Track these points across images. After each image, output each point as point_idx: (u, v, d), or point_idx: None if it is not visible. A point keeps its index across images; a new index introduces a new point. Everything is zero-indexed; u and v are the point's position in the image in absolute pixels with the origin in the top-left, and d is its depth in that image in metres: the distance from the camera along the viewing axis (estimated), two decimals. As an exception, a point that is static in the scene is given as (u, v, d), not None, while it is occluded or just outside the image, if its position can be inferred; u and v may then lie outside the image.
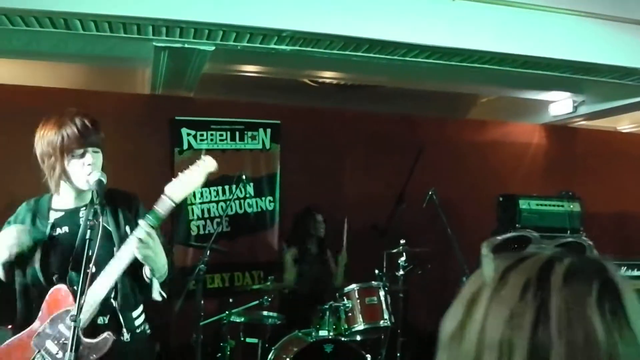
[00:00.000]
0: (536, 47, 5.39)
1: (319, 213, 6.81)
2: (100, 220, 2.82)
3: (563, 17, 5.41)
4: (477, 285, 1.02)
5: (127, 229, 3.09)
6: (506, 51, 5.35)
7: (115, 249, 3.03)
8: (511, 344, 0.92)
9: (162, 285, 3.15)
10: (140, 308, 3.26)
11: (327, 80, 7.59)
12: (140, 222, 2.96)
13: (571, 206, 7.34)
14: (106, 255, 2.97)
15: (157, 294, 3.13)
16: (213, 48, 5.24)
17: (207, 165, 3.10)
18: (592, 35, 5.53)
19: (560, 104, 8.17)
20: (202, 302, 5.69)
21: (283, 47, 5.12)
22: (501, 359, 0.93)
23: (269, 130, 7.42)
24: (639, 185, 8.60)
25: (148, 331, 3.32)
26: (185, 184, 3.03)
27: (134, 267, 3.03)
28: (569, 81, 6.37)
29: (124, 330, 3.09)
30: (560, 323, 0.91)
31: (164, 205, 2.98)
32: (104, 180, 3.03)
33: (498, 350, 0.93)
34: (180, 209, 7.03)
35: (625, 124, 9.66)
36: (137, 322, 3.20)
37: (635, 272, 6.92)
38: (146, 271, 3.06)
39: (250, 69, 6.90)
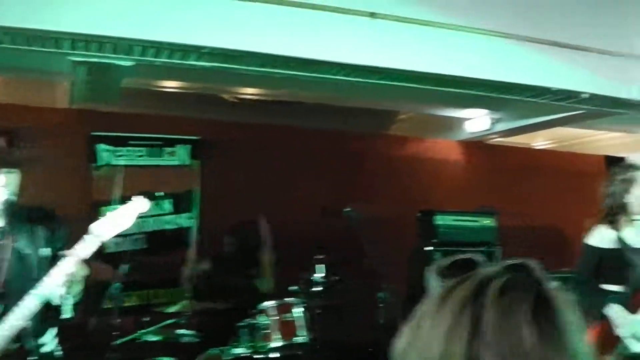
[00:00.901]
0: (453, 66, 5.52)
1: (242, 229, 6.78)
2: (10, 241, 2.75)
3: (479, 38, 5.56)
4: (426, 306, 1.07)
5: (47, 250, 3.02)
6: (425, 70, 5.46)
7: (32, 271, 2.96)
8: (451, 355, 0.97)
9: (75, 304, 3.09)
10: (51, 333, 3.18)
11: (248, 97, 7.59)
12: (67, 260, 2.90)
13: (486, 221, 7.51)
14: (21, 279, 2.90)
15: (68, 312, 3.07)
16: (132, 63, 5.18)
17: (139, 206, 3.07)
18: (508, 55, 5.70)
19: (477, 121, 8.38)
20: (118, 320, 5.58)
21: (202, 63, 5.10)
22: None
23: (188, 147, 7.35)
24: (553, 200, 8.86)
25: (58, 353, 3.25)
26: (116, 224, 2.98)
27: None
28: (485, 99, 6.55)
29: (32, 356, 3.02)
30: (494, 334, 0.95)
31: (91, 245, 2.93)
32: (14, 199, 2.95)
33: None
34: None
35: (539, 141, 9.98)
36: (46, 348, 3.12)
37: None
38: (60, 292, 3.00)
39: (170, 84, 6.84)
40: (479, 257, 1.16)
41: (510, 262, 1.09)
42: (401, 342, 1.07)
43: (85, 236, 2.95)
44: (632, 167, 4.65)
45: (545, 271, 1.08)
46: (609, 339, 4.43)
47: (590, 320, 4.76)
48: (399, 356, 1.06)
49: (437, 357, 0.98)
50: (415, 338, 1.04)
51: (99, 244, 2.94)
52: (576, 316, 1.03)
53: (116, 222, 2.98)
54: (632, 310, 4.42)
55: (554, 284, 1.04)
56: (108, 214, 3.01)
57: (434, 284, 1.11)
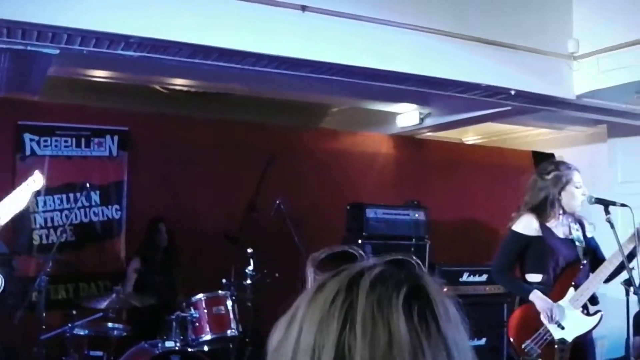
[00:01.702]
0: (383, 60, 5.57)
1: (162, 223, 6.73)
2: None
3: (409, 33, 5.62)
4: (298, 301, 1.06)
5: None
6: (354, 64, 5.49)
7: None
8: (320, 347, 0.95)
9: None
10: None
11: (178, 87, 7.51)
12: None
13: (417, 215, 7.59)
14: None
15: None
16: (57, 52, 5.08)
17: (33, 183, 3.01)
18: (437, 51, 5.78)
19: (407, 115, 8.47)
20: (44, 314, 5.48)
21: (130, 53, 5.04)
22: None
23: (116, 137, 7.22)
24: (483, 194, 9.00)
25: None
26: (12, 206, 2.93)
27: None
28: (415, 94, 6.63)
29: None
30: (364, 325, 0.95)
31: None
32: None
33: (311, 352, 0.96)
34: (23, 217, 6.74)
35: (470, 136, 10.15)
36: None
37: (478, 278, 7.26)
38: None
39: (98, 74, 6.73)
40: (357, 250, 1.16)
41: (389, 257, 1.09)
42: (277, 334, 1.06)
43: None
44: (564, 166, 4.76)
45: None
46: (528, 324, 4.54)
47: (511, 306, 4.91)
48: (274, 350, 1.04)
49: (309, 347, 0.97)
50: (288, 331, 1.03)
51: None
52: (453, 308, 1.02)
53: (12, 203, 2.93)
54: (553, 297, 4.53)
55: (431, 278, 1.04)
56: (8, 196, 2.95)
57: (311, 275, 1.10)
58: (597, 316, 4.59)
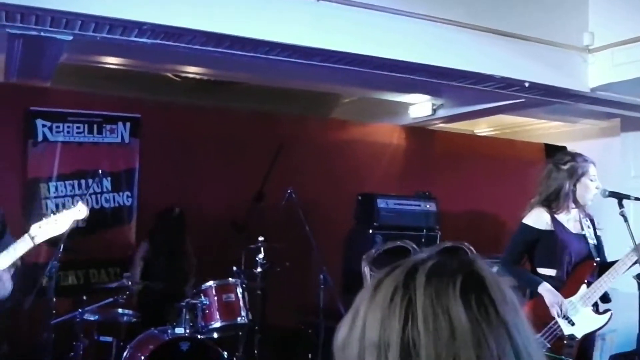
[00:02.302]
0: (396, 50, 5.55)
1: (176, 208, 6.72)
2: None
3: (422, 23, 5.59)
4: (361, 297, 1.09)
5: None
6: (367, 53, 5.47)
7: None
8: (386, 344, 0.98)
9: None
10: None
11: (190, 75, 7.51)
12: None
13: (427, 206, 7.57)
14: None
15: None
16: (71, 38, 5.08)
17: (77, 212, 3.02)
18: (451, 41, 5.75)
19: (419, 106, 8.45)
20: (55, 299, 5.49)
21: (144, 40, 5.03)
22: (379, 358, 0.99)
23: (128, 124, 7.21)
24: (494, 186, 8.96)
25: None
26: (51, 228, 2.95)
27: None
28: (427, 85, 6.60)
29: None
30: (425, 318, 0.97)
31: (24, 247, 2.89)
32: None
33: (377, 350, 1.00)
34: (34, 202, 6.77)
35: (482, 128, 10.12)
36: None
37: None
38: None
39: (110, 61, 6.72)
40: (410, 244, 1.19)
41: (441, 245, 1.14)
42: (341, 333, 1.09)
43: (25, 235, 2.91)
44: (581, 158, 4.73)
45: (479, 254, 1.10)
46: (539, 318, 4.52)
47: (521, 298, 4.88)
48: (339, 348, 1.08)
49: (375, 344, 1.00)
50: (353, 328, 1.06)
51: (32, 245, 2.89)
52: (510, 291, 1.05)
53: (54, 226, 2.94)
54: (565, 293, 4.52)
55: (484, 263, 1.06)
56: (49, 217, 2.97)
57: (367, 272, 1.14)
58: (607, 315, 4.57)
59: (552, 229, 4.58)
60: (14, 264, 2.92)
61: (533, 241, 4.66)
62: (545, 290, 4.49)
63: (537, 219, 4.64)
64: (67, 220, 2.97)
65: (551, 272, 4.61)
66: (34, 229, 2.93)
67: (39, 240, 2.90)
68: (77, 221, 3.03)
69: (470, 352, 0.96)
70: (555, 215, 4.61)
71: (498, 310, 1.00)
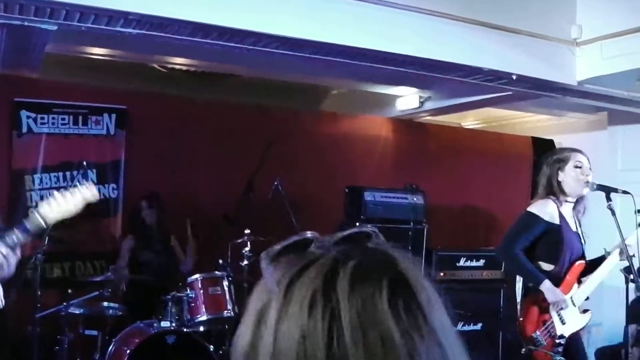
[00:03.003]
0: (385, 42, 5.52)
1: (144, 200, 6.67)
2: None
3: (411, 15, 5.57)
4: (262, 301, 0.94)
5: None
6: (355, 45, 5.44)
7: None
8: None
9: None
10: None
11: (177, 67, 7.46)
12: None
13: (415, 199, 7.55)
14: None
15: None
16: (56, 28, 5.02)
17: (87, 194, 2.96)
18: (439, 34, 5.73)
19: (407, 98, 8.44)
20: (39, 292, 5.46)
21: (130, 30, 4.98)
22: None
23: (114, 116, 7.15)
24: (481, 179, 8.97)
25: None
26: (63, 209, 2.88)
27: None
28: (415, 77, 6.58)
29: None
30: (353, 334, 0.85)
31: (34, 225, 2.84)
32: None
33: None
34: (19, 195, 6.71)
35: (469, 121, 10.12)
36: None
37: (475, 263, 7.25)
38: None
39: (96, 51, 6.66)
40: (312, 235, 1.02)
41: (346, 233, 1.00)
42: (242, 344, 0.94)
43: (30, 215, 2.85)
44: (569, 148, 4.74)
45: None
46: (539, 315, 4.51)
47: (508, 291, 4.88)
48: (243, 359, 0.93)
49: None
50: (259, 342, 0.92)
51: (44, 227, 2.84)
52: (429, 286, 0.93)
53: (63, 206, 2.87)
54: (562, 290, 4.50)
55: (404, 257, 0.94)
56: (56, 194, 2.90)
57: (269, 272, 0.97)
58: (588, 315, 4.59)
59: (559, 223, 4.53)
60: (19, 245, 2.88)
61: (538, 232, 4.56)
62: (548, 289, 4.43)
63: (545, 209, 4.56)
64: (79, 201, 2.89)
65: (549, 267, 4.57)
66: (45, 208, 2.87)
67: (51, 221, 2.84)
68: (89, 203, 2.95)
69: None
70: (561, 210, 4.57)
71: (426, 317, 0.89)
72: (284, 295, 0.91)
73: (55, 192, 2.95)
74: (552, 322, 4.46)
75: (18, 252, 2.86)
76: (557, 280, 4.51)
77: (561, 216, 4.56)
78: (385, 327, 0.86)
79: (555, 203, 4.56)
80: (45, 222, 2.85)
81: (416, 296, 0.90)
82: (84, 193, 2.94)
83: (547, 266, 4.58)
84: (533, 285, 4.52)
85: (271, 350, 0.89)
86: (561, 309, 4.45)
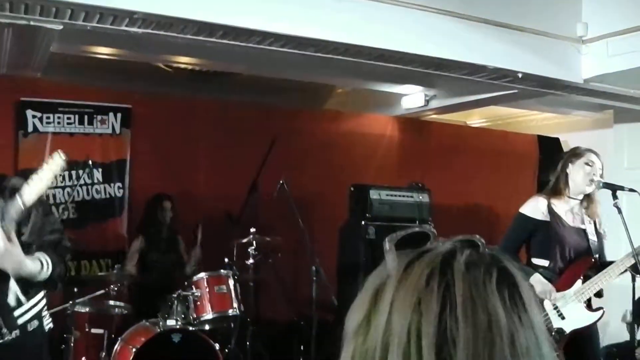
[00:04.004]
0: (390, 41, 5.51)
1: (167, 200, 6.70)
2: None
3: (416, 13, 5.56)
4: (380, 278, 1.04)
5: None
6: (360, 43, 5.44)
7: None
8: (418, 329, 0.95)
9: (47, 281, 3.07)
10: (28, 304, 3.15)
11: (182, 66, 7.46)
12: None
13: (420, 197, 7.54)
14: None
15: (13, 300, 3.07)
16: (61, 27, 5.02)
17: (54, 164, 2.97)
18: (445, 32, 5.72)
19: (412, 97, 8.43)
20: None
21: (135, 29, 4.98)
22: (409, 345, 0.95)
23: (119, 115, 7.17)
24: (486, 177, 8.96)
25: (46, 327, 3.27)
26: (34, 187, 2.91)
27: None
28: (420, 75, 6.57)
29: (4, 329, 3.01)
30: (465, 308, 0.95)
31: (16, 209, 2.86)
32: None
33: (406, 335, 0.95)
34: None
35: (475, 119, 10.11)
36: (22, 320, 3.11)
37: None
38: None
39: (101, 51, 6.67)
40: (429, 230, 1.16)
41: (462, 237, 1.10)
42: (355, 317, 1.04)
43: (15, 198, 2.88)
44: (582, 147, 4.74)
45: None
46: None
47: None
48: (355, 332, 1.03)
49: (405, 330, 0.96)
50: (375, 312, 1.01)
51: (22, 207, 2.86)
52: (532, 291, 1.04)
53: (35, 184, 2.90)
54: (559, 286, 4.50)
55: (509, 261, 1.05)
56: (31, 177, 2.93)
57: (392, 255, 1.08)
58: (599, 313, 4.56)
59: (548, 219, 4.57)
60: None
61: (530, 231, 4.64)
62: (537, 281, 4.47)
63: (534, 208, 4.62)
64: (47, 174, 2.92)
65: (545, 262, 4.60)
66: (23, 191, 2.89)
67: (28, 202, 2.87)
68: (57, 174, 2.97)
69: (504, 347, 0.95)
70: (553, 206, 4.59)
71: (527, 310, 1.00)
72: (404, 269, 1.02)
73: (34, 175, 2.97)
74: (546, 316, 4.45)
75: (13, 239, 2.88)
76: (555, 275, 4.53)
77: (552, 212, 4.58)
78: (492, 307, 0.96)
79: (546, 200, 4.60)
80: (24, 204, 2.87)
81: (519, 289, 1.01)
82: (52, 164, 2.96)
83: (541, 262, 4.61)
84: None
85: (386, 317, 0.99)
86: (555, 304, 4.44)
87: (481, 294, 0.97)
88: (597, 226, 4.71)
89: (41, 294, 3.28)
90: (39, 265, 3.01)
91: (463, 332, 0.94)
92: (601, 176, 4.59)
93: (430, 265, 1.00)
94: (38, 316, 3.24)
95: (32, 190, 2.89)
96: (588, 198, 4.66)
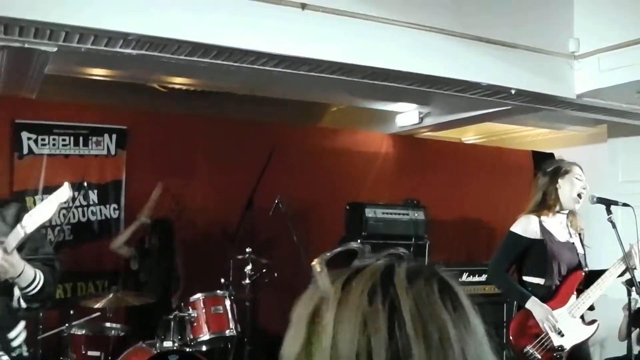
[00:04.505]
0: (383, 59, 5.53)
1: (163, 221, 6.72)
2: None
3: (409, 32, 5.58)
4: (314, 302, 0.99)
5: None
6: (354, 62, 5.46)
7: None
8: (369, 351, 0.90)
9: (34, 296, 3.06)
10: (19, 327, 3.13)
11: (177, 86, 7.48)
12: None
13: (416, 214, 7.55)
14: None
15: (16, 302, 3.06)
16: (55, 49, 5.04)
17: (60, 195, 2.99)
18: (437, 49, 5.74)
19: (406, 114, 8.45)
20: (41, 313, 5.45)
21: (129, 50, 5.00)
22: None
23: (114, 136, 7.18)
24: (482, 193, 8.97)
25: (25, 354, 3.21)
26: (38, 215, 2.92)
27: (7, 284, 2.95)
28: (414, 93, 6.60)
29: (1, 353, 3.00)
30: (414, 323, 0.91)
31: (16, 236, 2.88)
32: None
33: (355, 359, 0.91)
34: (20, 216, 6.69)
35: (469, 136, 10.13)
36: (15, 343, 3.12)
37: (477, 278, 7.22)
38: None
39: (96, 72, 6.69)
40: (358, 246, 1.10)
41: (391, 251, 1.05)
42: (293, 347, 0.99)
43: (16, 227, 2.89)
44: (565, 160, 4.75)
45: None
46: (530, 329, 4.51)
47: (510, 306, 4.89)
48: None
49: (353, 354, 0.91)
50: (314, 339, 0.96)
51: (23, 235, 2.86)
52: (469, 299, 1.01)
53: (40, 212, 2.91)
54: (555, 304, 4.50)
55: (443, 269, 1.03)
56: (36, 206, 2.95)
57: (324, 277, 1.02)
58: (594, 326, 4.58)
59: (541, 237, 4.57)
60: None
61: (522, 250, 4.64)
62: (534, 305, 4.47)
63: (526, 227, 4.63)
64: (52, 204, 2.93)
65: (539, 280, 4.59)
66: (26, 219, 2.90)
67: (29, 229, 2.88)
68: (63, 203, 2.98)
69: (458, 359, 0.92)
70: (544, 223, 4.60)
71: (469, 318, 0.97)
72: (341, 289, 0.97)
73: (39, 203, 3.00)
74: (547, 335, 4.45)
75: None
76: (550, 293, 4.53)
77: (544, 229, 4.59)
78: (441, 320, 0.93)
79: (537, 217, 4.61)
80: (25, 233, 2.88)
81: (459, 297, 0.98)
82: (57, 195, 2.97)
83: (536, 280, 4.61)
84: (521, 303, 4.56)
85: (330, 343, 0.93)
86: (551, 323, 4.44)
87: (427, 307, 0.93)
88: (582, 238, 4.73)
89: (23, 323, 3.26)
90: (33, 274, 3.01)
91: (416, 349, 0.90)
92: (584, 188, 4.61)
93: (370, 281, 0.96)
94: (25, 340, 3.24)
95: (35, 220, 2.89)
96: (570, 211, 4.68)
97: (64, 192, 3.01)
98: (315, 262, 1.06)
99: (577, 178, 4.59)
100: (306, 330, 0.97)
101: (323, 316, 0.96)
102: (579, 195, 4.59)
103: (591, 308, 4.61)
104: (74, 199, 6.78)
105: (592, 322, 4.59)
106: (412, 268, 0.99)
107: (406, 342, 0.90)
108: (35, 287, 3.03)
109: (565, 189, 4.59)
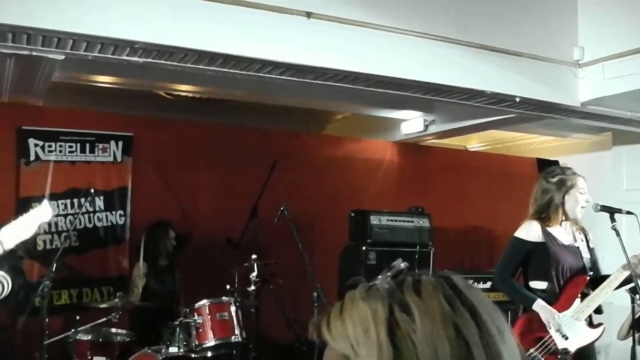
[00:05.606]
0: (388, 67, 5.56)
1: (170, 228, 6.74)
2: None
3: (414, 40, 5.60)
4: (381, 316, 0.99)
5: None
6: (358, 70, 5.48)
7: None
8: (469, 356, 0.94)
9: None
10: None
11: (182, 93, 7.51)
12: None
13: (420, 222, 7.56)
14: None
15: None
16: (63, 57, 5.08)
17: (42, 214, 2.98)
18: (442, 58, 5.76)
19: (411, 122, 8.47)
20: (47, 319, 5.47)
21: (135, 58, 5.03)
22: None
23: (120, 143, 7.23)
24: (487, 201, 8.98)
25: None
26: (18, 232, 2.91)
27: None
28: (419, 101, 6.62)
29: None
30: (490, 323, 0.98)
31: None
32: None
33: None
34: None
35: (474, 143, 10.14)
36: None
37: (482, 285, 7.22)
38: None
39: (102, 79, 6.73)
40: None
41: (391, 266, 1.11)
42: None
43: None
44: (570, 170, 4.75)
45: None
46: (533, 333, 4.51)
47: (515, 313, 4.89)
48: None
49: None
50: (402, 345, 0.96)
51: (1, 252, 2.85)
52: (483, 296, 1.04)
53: (21, 229, 2.90)
54: (559, 307, 4.51)
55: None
56: (14, 221, 2.93)
57: (374, 295, 1.04)
58: (600, 329, 4.57)
59: (544, 241, 4.58)
60: None
61: (526, 254, 4.65)
62: (540, 307, 4.48)
63: (529, 231, 4.64)
64: (33, 223, 2.92)
65: (543, 284, 4.61)
66: (3, 234, 2.89)
67: (7, 246, 2.86)
68: (42, 224, 2.97)
69: None
70: (547, 228, 4.62)
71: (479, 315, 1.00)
72: (414, 293, 1.00)
73: (18, 219, 2.97)
74: (551, 338, 4.46)
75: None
76: (553, 296, 4.54)
77: (546, 233, 4.60)
78: (496, 315, 1.02)
79: (540, 224, 4.62)
80: (4, 250, 2.87)
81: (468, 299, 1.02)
82: (39, 214, 2.96)
83: (541, 284, 4.62)
84: (527, 306, 4.57)
85: (423, 348, 0.95)
86: (557, 325, 4.45)
87: (485, 307, 1.01)
88: (589, 242, 4.74)
89: None
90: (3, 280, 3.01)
91: (500, 346, 0.97)
92: (587, 201, 4.63)
93: (439, 289, 0.99)
94: None
95: (15, 238, 2.89)
96: (573, 219, 4.70)
97: (46, 212, 3.00)
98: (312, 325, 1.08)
99: (580, 192, 4.61)
100: (388, 340, 0.96)
101: (402, 327, 0.96)
102: (582, 208, 4.62)
103: (599, 311, 4.61)
104: (80, 205, 6.82)
105: (598, 325, 4.59)
106: (444, 275, 1.04)
107: (492, 342, 0.96)
108: (5, 291, 3.03)
109: (570, 203, 4.61)
